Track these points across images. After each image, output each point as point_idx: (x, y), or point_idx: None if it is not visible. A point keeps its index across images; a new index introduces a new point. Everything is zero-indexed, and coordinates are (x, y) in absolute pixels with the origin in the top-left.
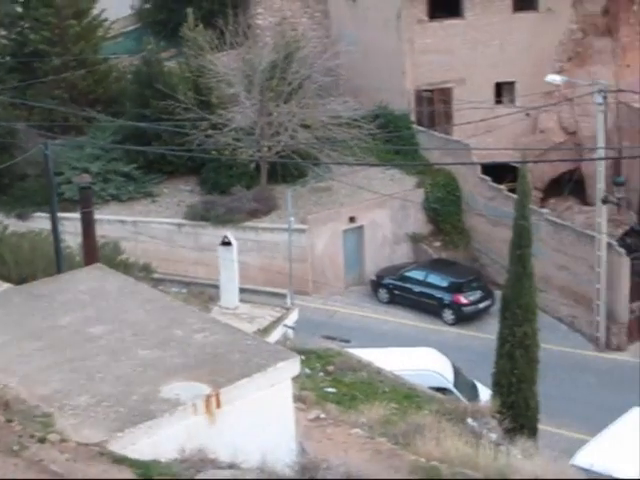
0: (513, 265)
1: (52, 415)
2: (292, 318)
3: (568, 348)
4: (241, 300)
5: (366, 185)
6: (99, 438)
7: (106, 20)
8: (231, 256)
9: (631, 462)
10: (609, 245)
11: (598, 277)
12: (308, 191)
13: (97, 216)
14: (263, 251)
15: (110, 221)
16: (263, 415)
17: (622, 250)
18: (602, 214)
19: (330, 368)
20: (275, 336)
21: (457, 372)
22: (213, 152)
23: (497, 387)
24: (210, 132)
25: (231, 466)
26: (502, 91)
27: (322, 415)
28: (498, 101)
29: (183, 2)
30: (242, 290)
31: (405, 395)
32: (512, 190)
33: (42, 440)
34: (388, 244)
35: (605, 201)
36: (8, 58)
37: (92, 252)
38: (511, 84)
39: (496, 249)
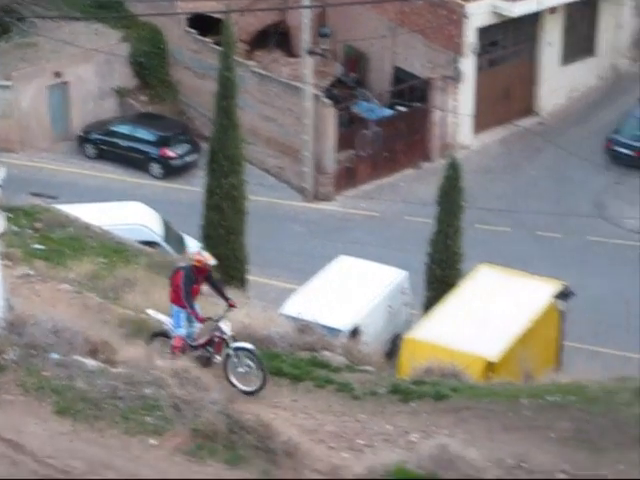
0: (218, 117)
1: None
2: None
3: (276, 199)
4: None
5: (72, 40)
6: None
7: None
8: None
9: (336, 308)
10: (315, 96)
11: (305, 128)
12: (12, 47)
13: None
14: None
15: None
16: None
17: (328, 101)
18: (308, 65)
19: (38, 225)
20: None
21: (166, 226)
22: None
23: (206, 239)
24: None
25: None
26: None
27: (30, 272)
28: None
29: None
30: None
31: (114, 250)
32: (218, 43)
33: None
34: (94, 99)
35: (311, 52)
36: None
37: None
38: None
39: (203, 102)
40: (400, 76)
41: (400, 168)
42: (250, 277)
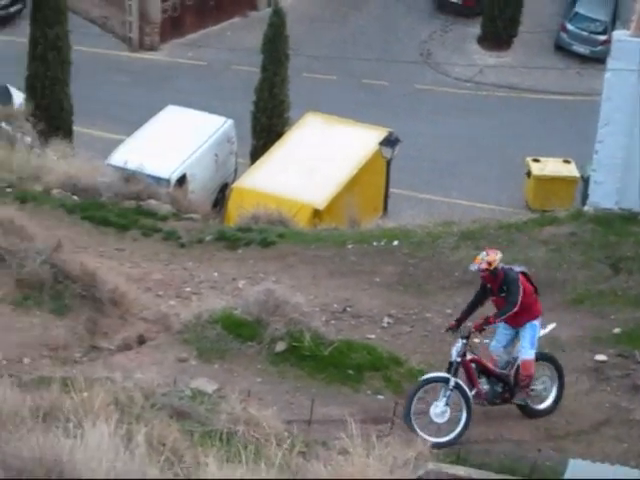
0: None
1: None
2: None
3: (101, 49)
4: None
5: None
6: None
7: None
8: None
9: (162, 158)
10: None
11: None
12: None
13: None
14: None
15: None
16: None
17: None
18: None
19: None
20: None
21: None
22: None
23: (30, 90)
24: None
25: None
26: None
27: None
28: None
29: None
30: None
31: None
32: None
33: None
34: None
35: None
36: None
37: None
38: None
39: None
40: None
41: (227, 17)
42: (76, 128)
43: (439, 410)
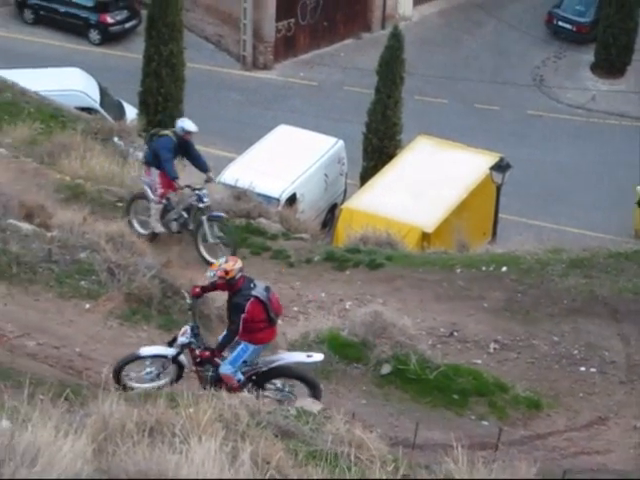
0: None
1: None
2: None
3: (215, 67)
4: None
5: None
6: None
7: None
8: None
9: (273, 177)
10: None
11: None
12: None
13: None
14: None
15: None
16: None
17: None
18: None
19: None
20: None
21: (103, 92)
22: None
23: (143, 106)
24: None
25: None
26: None
27: None
28: None
29: None
30: None
31: (51, 115)
32: None
33: None
34: None
35: None
36: None
37: None
38: None
39: None
40: None
41: (340, 38)
42: None
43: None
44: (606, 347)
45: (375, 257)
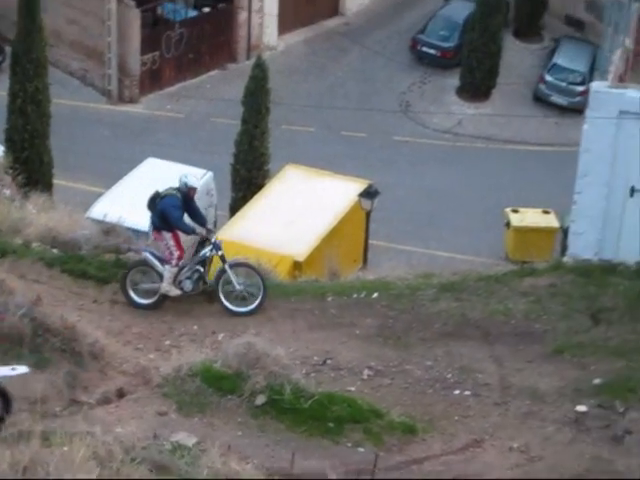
0: (22, 20)
1: None
2: None
3: (80, 102)
4: None
5: None
6: None
7: None
8: None
9: (141, 210)
10: None
11: (109, 30)
12: None
13: None
14: None
15: None
16: None
17: (132, 2)
18: None
19: None
20: None
21: None
22: None
23: (10, 143)
24: None
25: None
26: None
27: None
28: None
29: None
30: None
31: None
32: None
33: None
34: None
35: None
36: None
37: None
38: None
39: (6, 4)
40: None
41: (205, 70)
42: (56, 181)
43: None
44: (479, 369)
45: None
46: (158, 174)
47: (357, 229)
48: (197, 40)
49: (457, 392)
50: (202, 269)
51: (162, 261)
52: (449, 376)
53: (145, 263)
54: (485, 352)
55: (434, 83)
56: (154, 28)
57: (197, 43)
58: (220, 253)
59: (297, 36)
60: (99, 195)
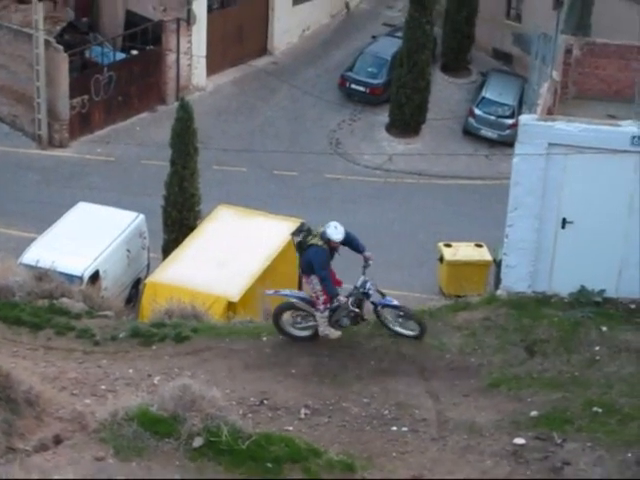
0: None
1: None
2: None
3: (10, 148)
4: None
5: None
6: None
7: None
8: None
9: (74, 255)
10: (47, 42)
11: (37, 75)
12: None
13: None
14: None
15: None
16: None
17: (60, 47)
18: (38, 11)
19: None
20: None
21: None
22: None
23: None
24: None
25: None
26: None
27: None
28: None
29: None
30: None
31: None
32: None
33: None
34: None
35: None
36: None
37: None
38: None
39: None
40: (133, 20)
41: (135, 112)
42: None
43: None
44: (416, 405)
45: (181, 330)
46: (89, 218)
47: (290, 267)
48: (126, 83)
49: (395, 428)
50: (357, 309)
51: (311, 304)
52: (386, 412)
53: (288, 306)
54: (421, 387)
55: (364, 120)
56: (83, 72)
57: (126, 86)
58: (370, 299)
59: (226, 76)
60: (31, 240)
